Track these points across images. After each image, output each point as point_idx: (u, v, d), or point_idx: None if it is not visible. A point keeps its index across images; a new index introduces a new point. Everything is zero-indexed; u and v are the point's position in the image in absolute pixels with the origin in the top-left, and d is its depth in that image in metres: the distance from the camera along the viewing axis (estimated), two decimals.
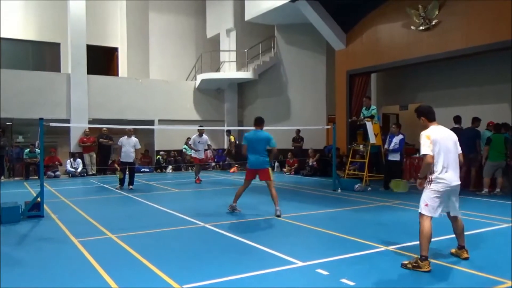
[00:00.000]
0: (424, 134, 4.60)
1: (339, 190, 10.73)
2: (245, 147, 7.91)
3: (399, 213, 7.95)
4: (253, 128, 8.08)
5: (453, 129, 10.30)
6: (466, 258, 4.76)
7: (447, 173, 4.51)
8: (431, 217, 4.56)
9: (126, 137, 11.59)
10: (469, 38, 10.90)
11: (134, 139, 11.65)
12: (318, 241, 6.01)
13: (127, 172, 11.72)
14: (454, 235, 4.94)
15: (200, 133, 13.17)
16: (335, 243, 5.77)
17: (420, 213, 4.61)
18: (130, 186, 11.58)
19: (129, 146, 11.50)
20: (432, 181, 4.54)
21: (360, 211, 8.17)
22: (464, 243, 4.84)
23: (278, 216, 7.38)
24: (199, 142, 13.13)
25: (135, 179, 12.00)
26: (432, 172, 4.54)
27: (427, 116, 4.76)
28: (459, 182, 4.63)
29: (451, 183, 4.53)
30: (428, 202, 4.54)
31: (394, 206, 8.59)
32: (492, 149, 10.07)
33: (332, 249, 5.39)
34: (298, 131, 16.09)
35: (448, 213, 4.76)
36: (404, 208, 8.34)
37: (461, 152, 4.76)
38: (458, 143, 4.73)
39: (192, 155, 13.60)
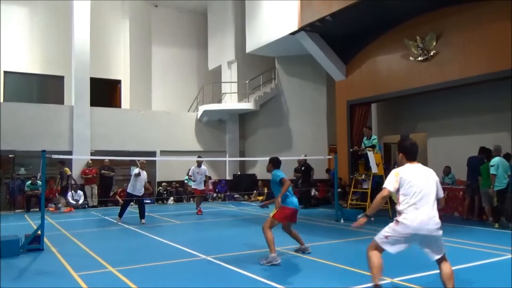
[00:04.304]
0: (394, 171, 4.30)
1: (342, 221, 10.63)
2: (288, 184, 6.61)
3: None
4: (255, 158, 7.97)
5: (470, 158, 10.40)
6: None
7: (413, 215, 4.05)
8: (383, 249, 4.20)
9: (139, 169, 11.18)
10: (467, 68, 11.05)
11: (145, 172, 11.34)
12: (321, 273, 5.92)
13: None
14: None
15: (199, 163, 13.21)
16: (337, 275, 5.67)
17: (373, 240, 4.27)
18: (142, 220, 11.13)
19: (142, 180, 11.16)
20: (398, 222, 4.14)
21: (363, 242, 8.01)
22: None
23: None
24: (197, 173, 13.17)
25: (144, 212, 11.37)
26: (399, 213, 4.15)
27: (407, 155, 4.38)
28: (434, 229, 4.06)
29: (419, 229, 4.03)
30: (389, 235, 4.17)
31: None
32: (483, 177, 10.08)
33: (334, 281, 5.31)
34: (304, 160, 16.05)
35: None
36: None
37: (442, 196, 4.30)
38: (439, 187, 4.27)
39: (193, 186, 13.55)
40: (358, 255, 6.91)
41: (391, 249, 4.18)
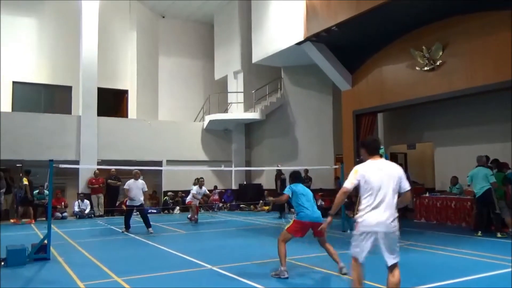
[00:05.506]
0: (354, 168, 4.28)
1: (348, 231, 10.56)
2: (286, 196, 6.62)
3: (410, 254, 7.76)
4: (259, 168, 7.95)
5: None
6: None
7: (371, 214, 4.04)
8: (360, 265, 4.19)
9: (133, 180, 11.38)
10: (473, 78, 11.01)
11: (141, 181, 11.48)
12: (329, 284, 5.87)
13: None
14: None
15: (201, 185, 13.67)
16: (346, 286, 5.62)
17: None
18: (150, 230, 11.09)
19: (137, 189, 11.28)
20: (357, 223, 4.15)
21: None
22: None
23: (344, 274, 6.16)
24: (198, 193, 13.66)
25: (148, 221, 11.25)
26: (357, 211, 4.19)
27: (367, 149, 4.35)
28: (391, 226, 4.03)
29: (375, 226, 4.02)
30: (354, 242, 4.20)
31: (404, 247, 8.40)
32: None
33: None
34: (306, 171, 16.04)
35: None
36: (415, 250, 8.16)
37: (407, 189, 4.14)
38: (403, 181, 4.13)
39: (187, 200, 14.04)
40: (367, 265, 6.84)
41: (359, 257, 4.21)
